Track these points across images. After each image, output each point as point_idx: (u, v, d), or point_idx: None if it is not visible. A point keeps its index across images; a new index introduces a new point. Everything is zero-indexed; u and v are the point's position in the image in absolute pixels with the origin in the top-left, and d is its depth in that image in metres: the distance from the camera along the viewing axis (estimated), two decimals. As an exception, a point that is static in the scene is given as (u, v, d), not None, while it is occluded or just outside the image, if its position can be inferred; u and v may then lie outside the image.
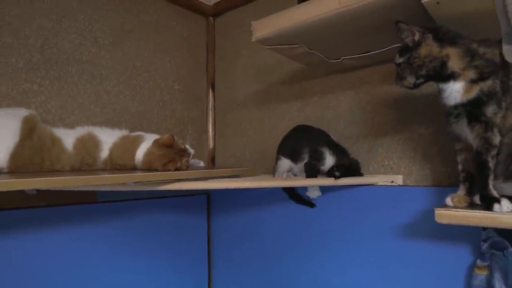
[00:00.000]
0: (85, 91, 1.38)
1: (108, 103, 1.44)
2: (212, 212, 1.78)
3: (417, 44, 0.83)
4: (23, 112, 1.08)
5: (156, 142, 1.14)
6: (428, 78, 0.85)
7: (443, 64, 0.82)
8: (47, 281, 1.23)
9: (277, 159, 1.35)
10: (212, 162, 1.80)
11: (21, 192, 1.16)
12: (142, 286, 1.49)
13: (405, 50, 0.86)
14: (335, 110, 1.41)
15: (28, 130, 1.05)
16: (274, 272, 1.54)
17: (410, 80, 0.86)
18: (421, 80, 0.86)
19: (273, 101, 1.61)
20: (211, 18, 1.86)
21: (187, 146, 1.21)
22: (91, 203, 1.35)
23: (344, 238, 1.33)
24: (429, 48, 0.83)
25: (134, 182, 1.08)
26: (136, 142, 1.19)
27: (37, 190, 1.17)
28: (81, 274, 1.31)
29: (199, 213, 1.74)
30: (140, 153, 1.16)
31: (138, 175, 1.08)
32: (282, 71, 1.58)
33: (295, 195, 1.44)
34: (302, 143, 1.26)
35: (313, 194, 1.39)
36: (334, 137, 1.30)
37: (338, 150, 1.24)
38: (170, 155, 1.14)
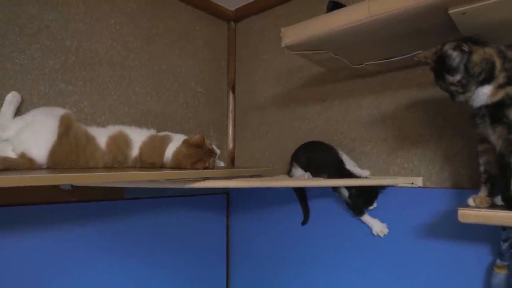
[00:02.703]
0: (115, 92, 1.43)
1: (136, 103, 1.50)
2: (231, 211, 1.83)
3: (469, 53, 0.84)
4: (60, 111, 1.14)
5: (186, 142, 1.19)
6: (481, 83, 0.86)
7: (493, 63, 0.84)
8: (74, 273, 1.29)
9: (292, 166, 1.41)
10: (232, 162, 1.85)
11: (56, 187, 1.21)
12: (161, 283, 1.54)
13: (455, 68, 0.85)
14: (356, 114, 1.45)
15: (65, 128, 1.11)
16: (292, 272, 1.57)
17: (473, 89, 0.86)
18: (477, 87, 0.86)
19: (292, 104, 1.65)
20: (232, 23, 1.91)
21: (214, 147, 1.25)
22: (119, 199, 1.41)
23: (363, 239, 1.36)
24: (479, 52, 0.84)
25: (165, 180, 1.13)
26: (165, 142, 1.24)
27: (72, 186, 1.23)
28: (103, 268, 1.36)
29: (218, 212, 1.79)
30: (169, 152, 1.21)
31: (168, 173, 1.13)
32: (302, 75, 1.63)
33: (304, 197, 1.50)
34: (319, 160, 1.35)
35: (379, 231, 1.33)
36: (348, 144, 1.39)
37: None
38: (199, 154, 1.19)
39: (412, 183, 1.26)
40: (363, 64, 1.27)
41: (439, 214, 1.19)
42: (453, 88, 0.88)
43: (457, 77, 0.86)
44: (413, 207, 1.24)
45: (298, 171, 1.37)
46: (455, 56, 0.85)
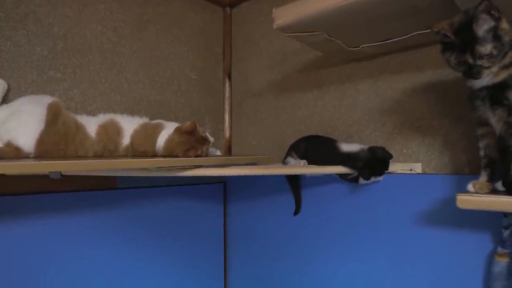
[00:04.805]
0: (106, 79, 1.40)
1: (128, 91, 1.46)
2: (229, 200, 1.80)
3: (498, 20, 0.75)
4: (48, 99, 1.11)
5: (178, 129, 1.16)
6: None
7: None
8: (65, 264, 1.27)
9: (289, 155, 1.37)
10: (228, 151, 1.82)
11: (46, 176, 1.19)
12: (158, 273, 1.52)
13: (484, 37, 0.75)
14: (353, 99, 1.41)
15: (53, 116, 1.08)
16: (291, 261, 1.55)
17: (497, 64, 0.78)
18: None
19: (289, 90, 1.61)
20: (227, 9, 1.86)
21: (207, 134, 1.22)
22: (112, 189, 1.38)
23: (362, 227, 1.33)
24: (505, 20, 0.76)
25: (156, 168, 1.10)
26: (157, 129, 1.21)
27: (62, 175, 1.20)
28: (97, 259, 1.34)
29: (215, 201, 1.76)
30: (161, 140, 1.18)
31: (159, 160, 1.11)
32: (299, 60, 1.58)
33: (297, 186, 1.47)
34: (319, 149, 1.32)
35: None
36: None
37: None
38: (191, 142, 1.16)
39: (411, 169, 1.23)
40: (359, 46, 1.23)
41: (438, 200, 1.15)
42: (480, 62, 0.77)
43: (489, 47, 0.75)
44: (412, 194, 1.21)
45: (294, 159, 1.33)
46: (487, 21, 0.74)
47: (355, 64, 1.40)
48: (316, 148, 1.32)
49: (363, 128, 1.36)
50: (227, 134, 1.82)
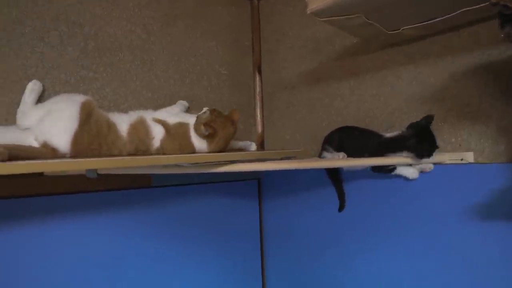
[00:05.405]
0: (137, 76, 1.39)
1: (159, 88, 1.45)
2: (263, 197, 1.76)
3: None
4: (80, 98, 1.10)
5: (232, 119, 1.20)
6: None
7: None
8: (103, 262, 1.27)
9: (324, 149, 1.31)
10: (261, 146, 1.77)
11: (82, 176, 1.19)
12: (193, 272, 1.50)
13: None
14: (392, 87, 1.33)
15: (86, 115, 1.07)
16: (332, 259, 1.49)
17: None
18: None
19: (323, 80, 1.55)
20: (255, 1, 1.82)
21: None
22: (146, 187, 1.37)
23: (410, 223, 1.25)
24: None
25: (192, 164, 1.07)
26: (186, 132, 1.18)
27: (97, 174, 1.20)
28: (133, 257, 1.34)
29: (250, 198, 1.73)
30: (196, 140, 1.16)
31: (194, 156, 1.08)
32: (332, 49, 1.51)
33: (339, 180, 1.40)
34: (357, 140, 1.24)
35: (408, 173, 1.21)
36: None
37: None
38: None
39: (462, 159, 1.13)
40: (399, 29, 1.14)
41: (494, 192, 1.06)
42: None
43: None
44: (464, 185, 1.12)
45: (330, 153, 1.27)
46: None
47: (394, 49, 1.31)
48: (353, 139, 1.25)
49: (404, 117, 1.28)
50: (259, 128, 1.78)
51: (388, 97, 1.34)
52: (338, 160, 1.21)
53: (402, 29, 1.14)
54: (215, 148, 1.17)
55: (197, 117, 1.17)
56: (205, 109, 1.18)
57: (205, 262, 1.54)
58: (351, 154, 1.20)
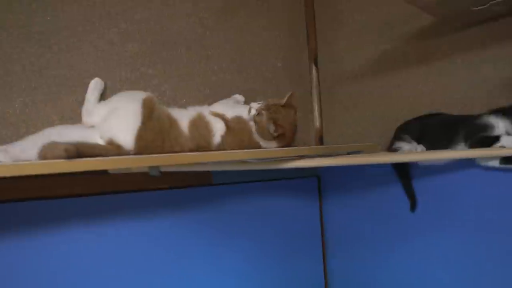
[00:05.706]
0: (194, 72, 1.35)
1: (216, 83, 1.41)
2: (324, 195, 1.67)
3: None
4: (142, 95, 1.08)
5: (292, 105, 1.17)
6: None
7: None
8: (166, 260, 1.26)
9: (400, 139, 1.19)
10: (320, 141, 1.68)
11: (145, 174, 1.17)
12: (253, 271, 1.46)
13: None
14: (473, 75, 1.18)
15: (148, 112, 1.05)
16: (395, 259, 1.38)
17: None
18: None
19: (389, 68, 1.43)
20: (309, -11, 1.73)
21: None
22: (207, 185, 1.34)
23: (484, 219, 1.12)
24: None
25: (258, 159, 1.02)
26: (245, 128, 1.14)
27: (160, 172, 1.18)
28: (199, 256, 1.32)
29: (310, 196, 1.66)
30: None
31: (259, 151, 1.02)
32: (399, 32, 1.39)
33: (408, 177, 1.28)
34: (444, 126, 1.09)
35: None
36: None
37: None
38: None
39: None
40: (487, 4, 1.01)
41: None
42: None
43: None
44: None
45: (408, 143, 1.15)
46: None
47: (478, 28, 1.17)
48: (442, 127, 1.11)
49: (493, 103, 1.13)
50: (317, 123, 1.69)
51: (472, 83, 1.19)
52: (418, 154, 1.09)
53: (490, 4, 1.01)
54: (285, 144, 1.11)
55: (255, 122, 1.11)
56: (253, 104, 1.13)
57: (266, 261, 1.49)
58: (435, 145, 1.08)
